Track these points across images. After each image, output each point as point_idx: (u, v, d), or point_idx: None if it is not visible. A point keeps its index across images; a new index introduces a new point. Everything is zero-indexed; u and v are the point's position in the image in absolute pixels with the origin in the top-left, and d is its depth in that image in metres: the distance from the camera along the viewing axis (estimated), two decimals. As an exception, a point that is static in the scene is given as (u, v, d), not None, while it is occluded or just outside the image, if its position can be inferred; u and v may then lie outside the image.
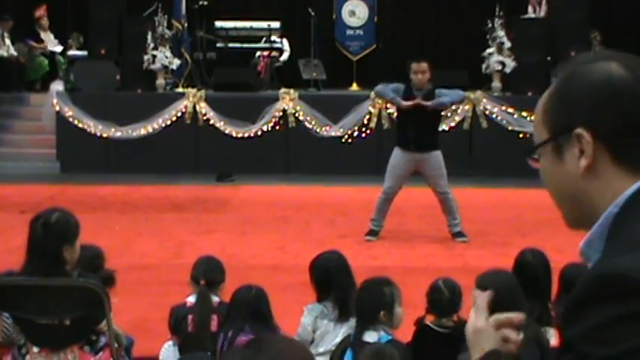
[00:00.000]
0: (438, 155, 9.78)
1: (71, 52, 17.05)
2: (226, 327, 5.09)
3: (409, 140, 9.68)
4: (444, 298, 4.98)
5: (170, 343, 5.41)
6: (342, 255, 5.60)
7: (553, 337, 4.91)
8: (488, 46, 15.81)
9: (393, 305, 4.79)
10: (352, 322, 5.26)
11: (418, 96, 9.64)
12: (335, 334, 5.36)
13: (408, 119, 9.67)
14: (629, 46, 17.18)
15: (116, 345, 4.76)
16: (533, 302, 4.92)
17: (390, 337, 4.71)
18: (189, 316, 5.30)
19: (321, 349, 5.40)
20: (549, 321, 4.92)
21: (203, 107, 15.52)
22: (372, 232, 10.05)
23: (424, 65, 9.59)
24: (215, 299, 5.41)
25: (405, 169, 9.80)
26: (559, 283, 5.39)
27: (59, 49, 17.89)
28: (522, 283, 4.98)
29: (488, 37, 15.83)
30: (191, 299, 5.42)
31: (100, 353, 4.75)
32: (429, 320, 4.98)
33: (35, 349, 4.70)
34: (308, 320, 5.39)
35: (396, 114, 10.71)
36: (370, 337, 4.72)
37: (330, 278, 5.39)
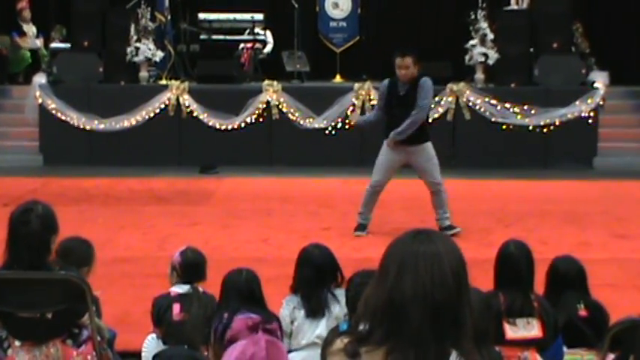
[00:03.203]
0: (428, 147, 9.75)
1: (54, 45, 16.96)
2: (220, 311, 5.11)
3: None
4: None
5: (153, 335, 5.41)
6: (331, 252, 5.59)
7: (536, 328, 4.93)
8: (472, 38, 15.82)
9: None
10: (327, 317, 5.29)
11: (402, 90, 9.62)
12: (314, 325, 5.37)
13: (396, 113, 9.63)
14: (612, 37, 17.24)
15: (99, 338, 4.75)
16: (515, 293, 4.94)
17: None
18: (174, 305, 5.29)
19: (303, 342, 5.41)
20: (532, 312, 4.93)
21: (186, 99, 15.49)
22: (361, 227, 10.01)
23: (408, 60, 9.54)
24: (199, 289, 5.44)
25: (394, 163, 9.77)
26: (548, 274, 5.40)
27: (39, 43, 17.78)
28: (505, 275, 5.00)
29: (471, 28, 15.83)
30: (175, 289, 5.42)
31: (83, 346, 4.73)
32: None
33: (17, 343, 4.69)
34: (286, 312, 5.42)
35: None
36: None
37: (316, 276, 5.42)
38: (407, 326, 2.41)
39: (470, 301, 2.49)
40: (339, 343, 2.53)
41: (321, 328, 5.36)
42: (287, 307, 5.43)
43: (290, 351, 5.38)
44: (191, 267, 5.49)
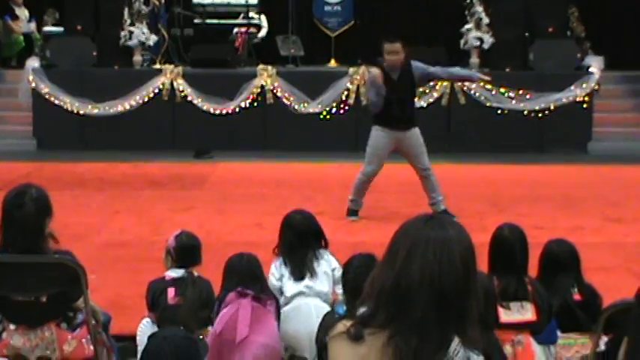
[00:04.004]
0: (417, 132, 9.75)
1: (47, 29, 16.91)
2: (222, 294, 5.16)
3: (392, 118, 9.61)
4: None
5: (148, 320, 5.41)
6: (314, 217, 5.68)
7: (530, 312, 4.93)
8: (467, 22, 15.80)
9: None
10: (309, 278, 5.36)
11: (395, 75, 9.59)
12: (295, 286, 5.49)
13: (389, 99, 9.60)
14: (607, 22, 17.22)
15: (93, 322, 4.75)
16: (509, 277, 4.94)
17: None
18: (169, 289, 5.31)
19: (289, 294, 5.51)
20: (526, 295, 4.94)
21: (180, 84, 15.46)
22: (353, 212, 10.02)
23: (397, 46, 9.52)
24: (194, 273, 5.45)
25: (386, 149, 9.75)
26: (542, 258, 5.40)
27: (32, 27, 17.72)
28: (499, 259, 5.01)
29: (466, 13, 15.82)
30: (170, 273, 5.42)
31: (78, 330, 4.73)
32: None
33: (12, 327, 4.69)
34: (274, 269, 5.59)
35: None
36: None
37: (298, 241, 5.52)
38: (412, 311, 2.41)
39: (477, 289, 2.48)
40: (341, 326, 2.51)
41: (307, 280, 5.47)
42: (274, 266, 5.62)
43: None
44: (186, 251, 5.49)
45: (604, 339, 4.32)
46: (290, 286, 5.53)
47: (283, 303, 5.53)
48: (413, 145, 9.72)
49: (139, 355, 4.66)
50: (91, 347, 4.72)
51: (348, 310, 4.77)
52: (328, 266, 5.54)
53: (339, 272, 5.43)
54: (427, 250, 2.44)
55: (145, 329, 5.30)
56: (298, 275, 5.52)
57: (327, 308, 5.35)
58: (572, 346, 5.22)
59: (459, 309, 2.43)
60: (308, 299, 5.45)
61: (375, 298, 2.49)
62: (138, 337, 5.36)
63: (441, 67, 10.13)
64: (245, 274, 5.23)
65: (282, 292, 5.57)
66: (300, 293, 5.50)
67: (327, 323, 4.68)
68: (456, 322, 2.42)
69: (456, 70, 10.87)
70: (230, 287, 5.22)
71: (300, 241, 5.56)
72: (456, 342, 2.42)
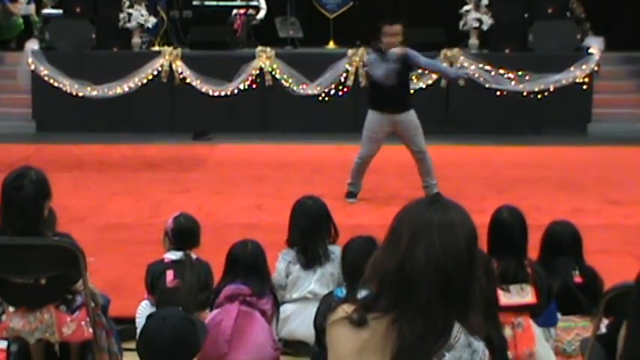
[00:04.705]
0: (412, 114, 9.73)
1: (46, 11, 16.85)
2: (224, 281, 5.15)
3: (386, 101, 9.59)
4: None
5: (147, 302, 5.41)
6: (324, 203, 5.63)
7: (529, 294, 4.93)
8: (466, 3, 15.76)
9: None
10: (321, 270, 5.33)
11: (391, 59, 9.55)
12: (307, 280, 5.42)
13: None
14: (607, 3, 17.16)
15: (92, 304, 4.75)
16: (508, 259, 4.94)
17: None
18: (167, 272, 5.31)
19: (295, 295, 5.45)
20: (525, 278, 4.93)
21: (179, 66, 15.43)
22: (352, 194, 10.01)
23: (397, 27, 9.50)
24: (193, 256, 5.44)
25: (382, 132, 9.73)
26: (543, 239, 5.39)
27: (31, 9, 17.68)
28: (498, 241, 5.00)
29: (465, -6, 15.76)
30: (169, 256, 5.42)
31: (77, 312, 4.73)
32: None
33: (11, 309, 4.69)
34: (282, 266, 5.48)
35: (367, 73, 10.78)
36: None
37: (313, 227, 5.45)
38: (415, 295, 2.40)
39: (479, 274, 2.47)
40: (341, 311, 2.48)
41: (313, 284, 5.41)
42: (283, 261, 5.51)
43: (282, 303, 5.43)
44: (183, 233, 5.49)
45: (605, 322, 4.31)
46: (296, 287, 5.46)
47: (285, 299, 5.48)
48: (408, 128, 9.70)
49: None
50: (90, 330, 4.72)
51: (348, 294, 4.76)
52: (336, 268, 5.44)
53: None
54: (432, 233, 2.43)
55: (144, 311, 5.31)
56: (309, 265, 5.45)
57: None
58: (572, 329, 5.22)
59: (462, 294, 2.42)
60: (313, 304, 5.29)
61: (378, 282, 2.47)
62: (137, 319, 5.36)
63: (429, 59, 10.10)
64: (247, 265, 5.19)
65: (285, 288, 5.51)
66: (304, 298, 5.45)
67: (325, 307, 4.67)
68: (458, 308, 2.41)
69: (445, 67, 10.77)
70: (230, 279, 5.19)
71: (314, 228, 5.48)
72: (456, 328, 2.41)
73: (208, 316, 5.19)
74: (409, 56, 9.55)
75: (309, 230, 5.47)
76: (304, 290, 5.44)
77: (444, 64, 10.73)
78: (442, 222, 2.45)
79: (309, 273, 5.47)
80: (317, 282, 5.42)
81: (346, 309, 2.47)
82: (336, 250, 5.48)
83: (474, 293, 2.43)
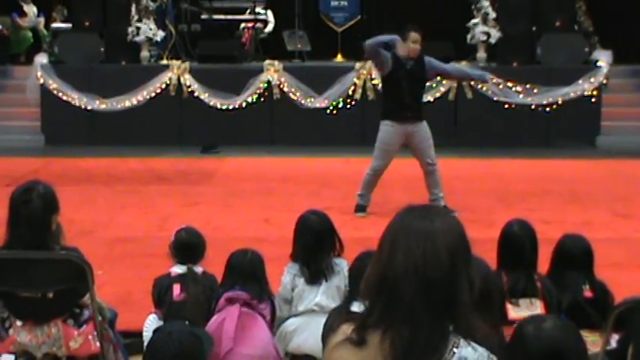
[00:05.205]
0: (426, 125, 9.73)
1: (55, 25, 16.92)
2: (223, 288, 5.16)
3: (404, 109, 9.58)
4: None
5: (154, 316, 5.40)
6: (329, 218, 5.61)
7: (539, 309, 4.90)
8: (473, 17, 15.76)
9: None
10: (326, 284, 5.31)
11: (408, 65, 9.59)
12: (313, 293, 5.40)
13: (402, 87, 9.57)
14: (615, 15, 17.15)
15: (100, 318, 4.74)
16: (518, 273, 4.91)
17: None
18: (174, 285, 5.30)
19: (300, 308, 5.43)
20: (535, 292, 4.91)
21: (187, 79, 15.46)
22: (361, 208, 9.98)
23: (420, 35, 9.61)
24: (199, 269, 5.43)
25: (396, 144, 9.71)
26: (554, 253, 5.36)
27: (40, 23, 17.74)
28: (508, 255, 4.97)
29: (473, 7, 15.79)
30: (175, 269, 5.41)
31: (84, 326, 4.72)
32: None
33: (19, 323, 4.68)
34: (287, 279, 5.46)
35: (381, 85, 10.77)
36: (357, 307, 4.69)
37: (316, 243, 5.43)
38: (399, 301, 2.39)
39: (470, 278, 2.44)
40: (341, 333, 2.48)
41: (319, 296, 5.39)
42: (288, 275, 5.49)
43: (288, 317, 5.41)
44: (184, 247, 5.48)
45: (615, 337, 4.28)
46: (302, 299, 5.44)
47: (292, 313, 5.46)
48: (422, 139, 9.69)
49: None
50: (97, 343, 4.71)
51: (345, 302, 4.75)
52: (341, 281, 5.40)
53: None
54: (409, 239, 2.42)
55: (151, 325, 5.29)
56: (314, 280, 5.43)
57: None
58: (581, 343, 5.19)
59: (448, 297, 2.39)
60: (320, 317, 5.27)
61: (368, 294, 2.47)
62: (144, 333, 5.35)
63: (452, 66, 10.16)
64: (245, 272, 5.20)
65: (291, 302, 5.49)
66: (311, 311, 5.43)
67: (331, 324, 4.66)
68: (447, 310, 2.39)
69: (469, 69, 10.88)
70: (228, 284, 5.20)
71: (318, 243, 5.47)
72: (453, 336, 2.40)
73: (210, 320, 5.17)
74: (427, 64, 9.59)
75: (313, 245, 5.45)
76: (310, 303, 5.42)
77: (470, 68, 10.78)
78: (420, 227, 2.43)
79: (314, 287, 5.46)
80: (323, 294, 5.41)
81: (345, 330, 2.47)
82: (341, 262, 5.47)
83: (462, 297, 2.41)
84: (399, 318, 2.39)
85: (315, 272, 5.41)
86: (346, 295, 4.92)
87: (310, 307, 5.40)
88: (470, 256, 2.48)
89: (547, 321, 2.63)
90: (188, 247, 5.48)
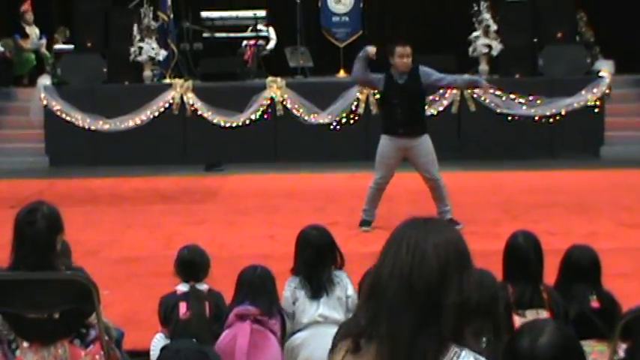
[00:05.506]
0: (427, 140, 9.70)
1: (57, 46, 16.97)
2: (233, 303, 5.18)
3: (398, 125, 9.59)
4: None
5: (161, 334, 5.40)
6: (329, 233, 5.62)
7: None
8: (475, 30, 15.79)
9: None
10: (325, 298, 5.31)
11: (401, 80, 9.59)
12: (315, 305, 5.40)
13: (395, 103, 9.59)
14: (616, 25, 17.17)
15: (106, 338, 4.74)
16: (524, 285, 4.90)
17: None
18: (180, 304, 5.30)
19: (304, 321, 5.43)
20: (541, 303, 4.90)
21: (190, 97, 15.48)
22: (366, 222, 9.97)
23: (409, 49, 9.56)
24: (204, 287, 5.43)
25: (395, 157, 9.72)
26: (561, 264, 5.34)
27: (42, 43, 17.79)
28: (513, 266, 4.97)
29: (474, 20, 15.80)
30: (181, 287, 5.42)
31: (91, 346, 4.72)
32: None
33: (25, 344, 4.67)
34: (288, 293, 5.47)
35: (379, 101, 10.82)
36: None
37: (317, 257, 5.44)
38: (383, 302, 2.40)
39: (462, 290, 2.41)
40: (341, 350, 2.49)
41: (322, 307, 5.39)
42: (288, 289, 5.50)
43: (293, 333, 5.41)
44: (187, 265, 5.48)
45: (623, 346, 4.27)
46: (305, 312, 5.45)
47: (297, 329, 5.47)
48: (421, 154, 9.67)
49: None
50: (105, 363, 4.70)
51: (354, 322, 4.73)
52: (342, 292, 5.43)
53: (354, 301, 5.36)
54: (401, 245, 2.43)
55: (158, 344, 5.29)
56: (315, 294, 5.44)
57: None
58: (589, 354, 5.17)
59: (434, 306, 2.37)
60: (324, 328, 5.28)
61: (361, 302, 2.52)
62: (151, 352, 5.35)
63: (447, 74, 10.08)
64: (255, 287, 5.21)
65: (294, 317, 5.50)
66: (314, 322, 5.43)
67: (334, 338, 4.67)
68: (432, 316, 2.38)
69: (463, 76, 10.87)
70: (239, 299, 5.21)
71: (319, 258, 5.48)
72: (456, 346, 2.38)
73: (221, 336, 5.17)
74: (422, 75, 9.57)
75: (314, 260, 5.47)
76: (314, 314, 5.42)
77: (465, 75, 10.65)
78: (412, 234, 2.45)
79: (315, 299, 5.47)
80: (325, 305, 5.42)
81: (343, 346, 2.47)
82: (341, 274, 5.49)
83: (449, 307, 2.38)
84: (384, 323, 2.39)
85: (317, 287, 5.42)
86: (356, 309, 4.90)
87: (314, 318, 5.41)
88: (465, 270, 2.45)
89: (543, 335, 2.53)
90: (190, 264, 5.49)
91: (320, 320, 5.40)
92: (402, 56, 9.53)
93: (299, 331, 5.44)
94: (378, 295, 2.42)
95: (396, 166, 9.81)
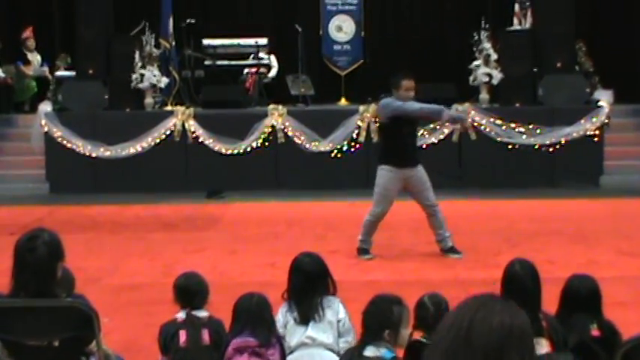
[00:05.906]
0: (422, 169, 9.79)
1: (59, 73, 17.02)
2: (230, 334, 5.16)
3: (406, 155, 9.65)
4: (428, 315, 4.96)
5: (161, 363, 5.40)
6: (322, 260, 5.63)
7: (545, 348, 4.90)
8: (475, 59, 15.85)
9: (400, 326, 4.74)
10: (314, 322, 5.31)
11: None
12: (303, 327, 5.41)
13: (405, 133, 9.65)
14: (615, 55, 17.23)
15: (106, 365, 4.74)
16: (523, 313, 4.90)
17: (392, 355, 4.65)
18: (180, 332, 5.30)
19: (292, 343, 5.45)
20: (540, 331, 4.90)
21: (192, 125, 15.52)
22: (365, 251, 9.96)
23: (413, 82, 9.67)
24: (204, 314, 5.42)
25: (395, 189, 9.73)
26: (562, 294, 5.34)
27: (44, 71, 17.86)
28: (511, 294, 4.97)
29: (474, 49, 15.87)
30: (181, 315, 5.42)
31: (91, 374, 4.72)
32: (419, 335, 4.95)
33: (25, 372, 4.68)
34: (279, 317, 5.49)
35: (380, 130, 10.87)
36: (371, 352, 4.68)
37: (307, 283, 5.45)
38: None
39: None
40: None
41: (311, 330, 5.39)
42: (280, 313, 5.50)
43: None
44: (184, 293, 5.48)
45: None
46: (294, 335, 5.45)
47: (287, 352, 5.47)
48: (419, 182, 9.72)
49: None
50: (105, 391, 4.70)
51: (358, 346, 4.71)
52: (334, 315, 5.42)
53: (345, 324, 5.37)
54: (452, 325, 2.29)
55: (158, 372, 5.29)
56: (304, 320, 5.44)
57: (332, 356, 5.29)
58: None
59: None
60: (312, 349, 5.33)
61: None
62: (151, 380, 5.34)
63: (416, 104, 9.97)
64: (253, 316, 5.19)
65: (284, 339, 5.50)
66: (303, 344, 5.44)
67: None
68: None
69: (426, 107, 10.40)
70: (237, 330, 5.18)
71: (309, 285, 5.49)
72: None
73: None
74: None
75: (303, 286, 5.48)
76: (301, 336, 5.42)
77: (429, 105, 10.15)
78: (464, 318, 2.28)
79: (300, 326, 5.47)
80: (313, 328, 5.41)
81: None
82: (333, 299, 5.48)
83: None
84: None
85: (306, 312, 5.41)
86: (361, 339, 4.88)
87: (302, 340, 5.41)
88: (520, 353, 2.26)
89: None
90: (187, 292, 5.49)
91: (308, 342, 5.40)
92: (409, 89, 9.61)
93: (290, 353, 5.45)
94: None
95: (395, 197, 9.83)
